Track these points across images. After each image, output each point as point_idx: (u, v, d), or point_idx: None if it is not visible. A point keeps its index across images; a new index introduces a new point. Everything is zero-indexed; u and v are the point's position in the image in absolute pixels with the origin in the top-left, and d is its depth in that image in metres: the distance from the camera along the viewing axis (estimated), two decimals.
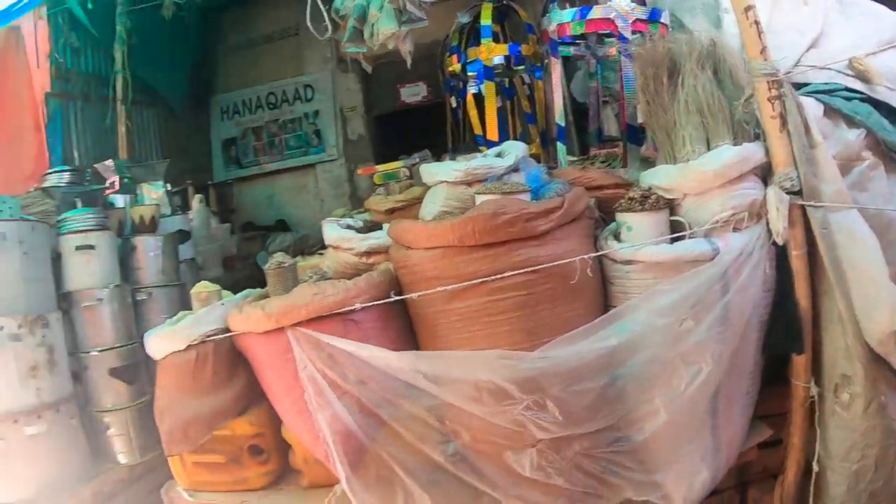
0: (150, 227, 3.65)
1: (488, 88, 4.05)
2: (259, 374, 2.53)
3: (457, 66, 4.28)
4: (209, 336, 2.49)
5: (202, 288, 2.71)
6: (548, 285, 2.33)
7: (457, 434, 2.37)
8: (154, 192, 3.77)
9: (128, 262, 3.56)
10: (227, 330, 2.51)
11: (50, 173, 4.03)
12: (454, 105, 4.60)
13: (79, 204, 3.55)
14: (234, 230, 5.75)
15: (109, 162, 4.36)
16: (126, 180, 4.17)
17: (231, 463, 2.58)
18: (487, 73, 4.07)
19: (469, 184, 2.63)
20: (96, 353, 3.27)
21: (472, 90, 4.10)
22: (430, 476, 2.37)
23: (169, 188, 3.95)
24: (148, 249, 3.58)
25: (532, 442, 2.29)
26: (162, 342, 2.53)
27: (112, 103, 5.33)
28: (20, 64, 4.76)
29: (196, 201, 4.63)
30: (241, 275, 4.81)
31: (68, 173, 4.00)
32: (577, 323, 2.31)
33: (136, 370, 3.40)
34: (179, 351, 2.48)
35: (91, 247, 3.29)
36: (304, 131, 6.90)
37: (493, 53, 4.03)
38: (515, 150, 2.82)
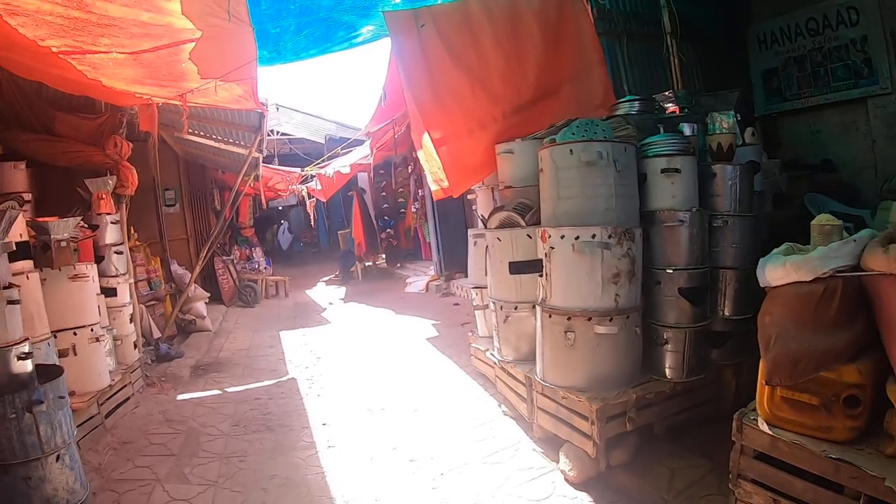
0: (728, 154, 3.61)
1: None
2: (888, 323, 2.24)
3: None
4: (840, 271, 2.29)
5: (825, 220, 2.49)
6: None
7: None
8: (726, 122, 3.69)
9: (705, 188, 3.58)
10: (858, 268, 2.27)
11: (622, 102, 4.31)
12: None
13: (661, 130, 3.70)
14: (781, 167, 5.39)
15: (668, 92, 4.51)
16: (686, 110, 4.25)
17: (822, 408, 2.37)
18: None
19: None
20: (670, 271, 3.43)
21: None
22: None
23: (738, 118, 3.83)
24: (727, 177, 3.55)
25: None
26: (783, 270, 2.42)
27: (663, 37, 5.45)
28: (579, 8, 5.15)
29: (749, 134, 4.43)
30: (789, 214, 4.54)
31: (639, 102, 4.21)
32: None
33: (703, 294, 3.48)
34: (804, 282, 2.35)
35: (676, 170, 3.41)
36: (852, 60, 5.93)
37: None
38: None
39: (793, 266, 2.40)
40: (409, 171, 11.85)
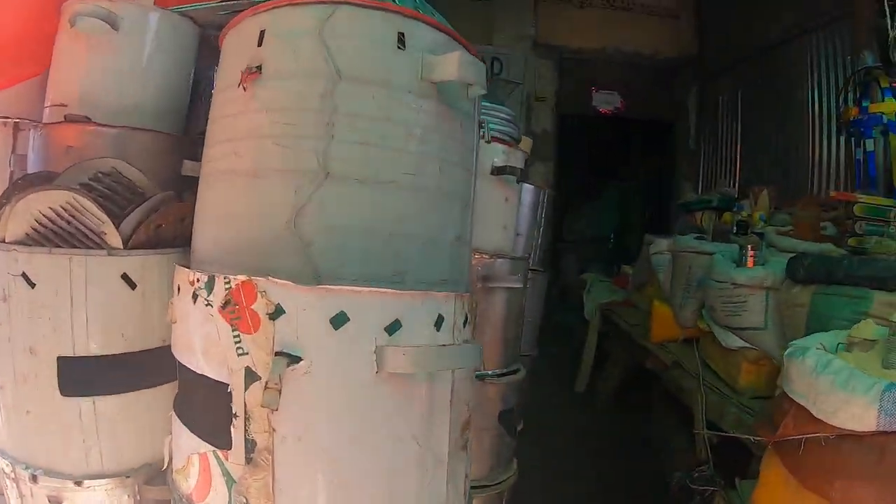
0: (524, 173, 1.95)
1: None
2: None
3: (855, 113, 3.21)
4: None
5: None
6: None
7: None
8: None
9: None
10: None
11: None
12: (869, 148, 3.26)
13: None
14: None
15: None
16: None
17: None
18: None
19: None
20: (493, 380, 1.51)
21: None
22: None
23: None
24: (528, 206, 1.85)
25: None
26: None
27: None
28: None
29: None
30: None
31: None
32: None
33: (514, 418, 1.68)
34: None
35: (517, 174, 1.53)
36: None
37: None
38: None
39: None
40: None
